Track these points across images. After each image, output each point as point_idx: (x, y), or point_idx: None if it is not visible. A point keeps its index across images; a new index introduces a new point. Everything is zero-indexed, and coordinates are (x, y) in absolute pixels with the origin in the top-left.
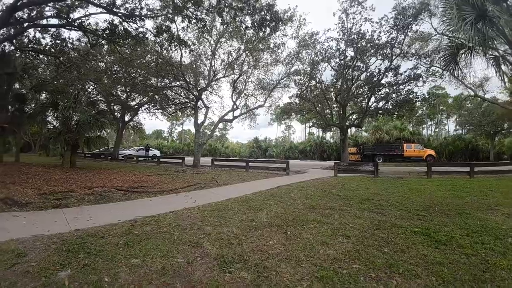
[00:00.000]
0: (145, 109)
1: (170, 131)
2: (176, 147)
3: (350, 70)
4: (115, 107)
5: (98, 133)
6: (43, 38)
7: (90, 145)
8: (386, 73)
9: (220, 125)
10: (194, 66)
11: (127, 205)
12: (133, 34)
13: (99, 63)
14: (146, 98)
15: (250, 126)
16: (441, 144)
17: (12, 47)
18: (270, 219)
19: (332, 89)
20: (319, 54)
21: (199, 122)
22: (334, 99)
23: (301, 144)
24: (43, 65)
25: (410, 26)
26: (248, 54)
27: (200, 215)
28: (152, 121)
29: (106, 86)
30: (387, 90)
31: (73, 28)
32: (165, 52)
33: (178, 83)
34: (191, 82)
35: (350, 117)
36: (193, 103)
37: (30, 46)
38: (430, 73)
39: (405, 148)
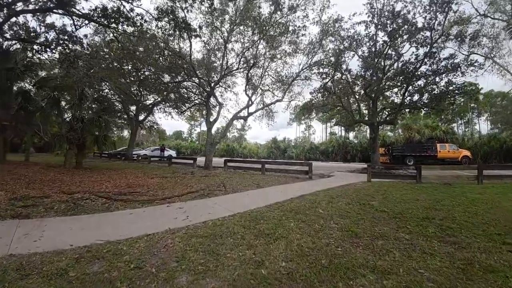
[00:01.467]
0: (159, 108)
1: (189, 132)
2: (194, 147)
3: (381, 58)
4: (129, 106)
5: (104, 133)
6: (47, 32)
7: (100, 145)
8: (425, 60)
9: (238, 126)
10: (205, 60)
11: (97, 220)
12: (128, 15)
13: (111, 61)
14: (160, 97)
15: (268, 125)
16: (476, 144)
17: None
18: (291, 261)
19: (359, 82)
20: (345, 42)
21: (211, 120)
22: (363, 92)
23: (322, 145)
24: (48, 62)
25: (450, 4)
26: (264, 42)
27: (183, 244)
28: (172, 123)
29: (117, 83)
30: (424, 81)
31: (60, 12)
32: (172, 43)
33: (189, 80)
34: (203, 78)
35: (380, 113)
36: (205, 100)
37: (33, 40)
38: (469, 62)
39: (439, 148)
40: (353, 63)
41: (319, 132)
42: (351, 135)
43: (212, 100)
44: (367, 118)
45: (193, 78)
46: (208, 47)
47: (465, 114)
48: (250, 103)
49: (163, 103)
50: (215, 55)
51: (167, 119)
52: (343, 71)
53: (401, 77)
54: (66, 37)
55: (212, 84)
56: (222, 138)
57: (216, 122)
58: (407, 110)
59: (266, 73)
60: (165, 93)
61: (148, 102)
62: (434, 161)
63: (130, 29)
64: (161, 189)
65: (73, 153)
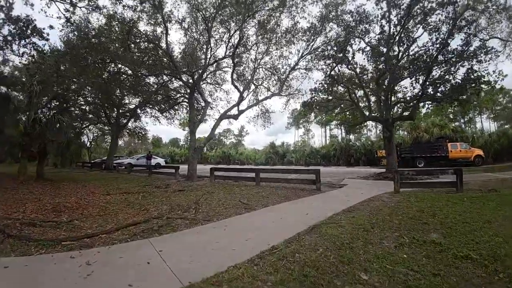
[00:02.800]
0: (144, 113)
1: (186, 140)
2: (188, 154)
3: (393, 44)
4: (107, 110)
5: (68, 138)
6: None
7: (62, 153)
8: (452, 37)
9: (236, 131)
10: (186, 49)
11: None
12: None
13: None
14: (139, 97)
15: (264, 127)
16: (486, 142)
17: None
18: None
19: (366, 73)
20: (352, 23)
21: (195, 121)
22: (373, 84)
23: (323, 148)
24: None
25: None
26: (254, 24)
27: None
28: (168, 130)
29: (87, 81)
30: (444, 67)
31: None
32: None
33: (168, 74)
34: (184, 69)
35: (393, 109)
36: (187, 96)
37: None
38: (485, 49)
39: (450, 148)
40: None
41: (318, 136)
42: (352, 137)
43: (200, 99)
44: (378, 114)
45: (173, 71)
46: (189, 34)
47: (467, 113)
48: (240, 98)
49: (146, 105)
50: (198, 42)
51: (155, 125)
52: (349, 59)
53: (420, 63)
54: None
55: (195, 77)
56: (207, 142)
57: (201, 123)
58: (433, 101)
59: (260, 66)
60: (140, 92)
61: (132, 106)
62: (446, 162)
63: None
64: (100, 215)
65: (25, 162)
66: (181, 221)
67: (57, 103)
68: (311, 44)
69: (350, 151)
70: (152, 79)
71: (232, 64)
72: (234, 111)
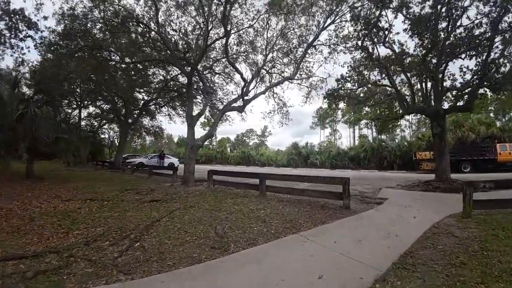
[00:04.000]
0: (157, 109)
1: (210, 140)
2: (209, 154)
3: (440, 16)
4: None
5: (57, 134)
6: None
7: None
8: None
9: (258, 132)
10: (181, 29)
11: None
12: None
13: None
14: (142, 89)
15: (282, 124)
16: None
17: None
18: None
19: (407, 52)
20: None
21: (193, 114)
22: (419, 66)
23: (351, 150)
24: None
25: None
26: None
27: None
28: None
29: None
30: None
31: None
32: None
33: (162, 60)
34: (177, 51)
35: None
36: (186, 85)
37: None
38: None
39: (499, 150)
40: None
41: (346, 137)
42: (384, 138)
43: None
44: (425, 105)
45: (168, 57)
46: (183, 9)
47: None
48: (245, 84)
49: (153, 101)
50: (197, 22)
51: (170, 123)
52: (386, 34)
53: (481, 37)
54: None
55: (192, 61)
56: (206, 139)
57: (200, 117)
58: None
59: (272, 48)
60: (140, 85)
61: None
62: (494, 166)
63: None
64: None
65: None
66: (84, 265)
67: (42, 96)
68: (335, 12)
69: (383, 153)
70: (161, 72)
71: (225, 33)
72: (240, 103)
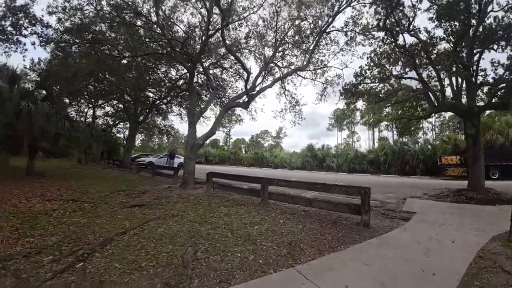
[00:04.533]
0: (168, 109)
1: (225, 140)
2: (223, 155)
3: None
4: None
5: (59, 131)
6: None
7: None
8: None
9: (274, 133)
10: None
11: None
12: None
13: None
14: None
15: (294, 123)
16: None
17: None
18: None
19: (436, 41)
20: None
21: (194, 111)
22: (449, 57)
23: (371, 153)
24: None
25: None
26: None
27: None
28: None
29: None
30: None
31: None
32: None
33: (161, 53)
34: (178, 45)
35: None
36: (188, 81)
37: None
38: None
39: None
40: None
41: (365, 139)
42: (405, 141)
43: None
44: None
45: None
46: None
47: None
48: (248, 75)
49: (167, 99)
50: (196, 9)
51: (181, 122)
52: (410, 20)
53: None
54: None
55: (195, 55)
56: (207, 138)
57: (203, 114)
58: None
59: (283, 39)
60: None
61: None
62: None
63: None
64: None
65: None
66: (9, 283)
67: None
68: None
69: (405, 156)
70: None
71: (221, 15)
72: (245, 98)
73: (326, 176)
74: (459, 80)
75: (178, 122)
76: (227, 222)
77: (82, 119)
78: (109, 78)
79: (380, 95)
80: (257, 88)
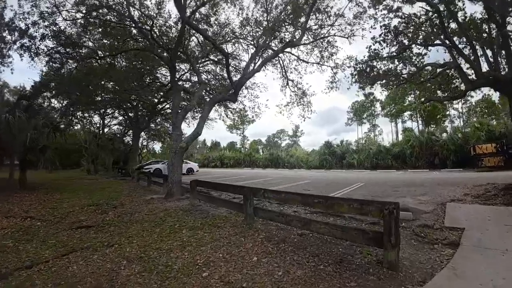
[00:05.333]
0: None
1: (242, 143)
2: (237, 158)
3: None
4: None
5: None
6: None
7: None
8: None
9: (290, 132)
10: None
11: None
12: None
13: None
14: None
15: (303, 118)
16: None
17: None
18: None
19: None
20: None
21: (178, 110)
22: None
23: (395, 146)
24: None
25: None
26: None
27: None
28: (227, 135)
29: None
30: None
31: None
32: None
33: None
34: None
35: None
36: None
37: None
38: None
39: None
40: None
41: (387, 133)
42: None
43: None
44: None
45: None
46: None
47: None
48: (226, 60)
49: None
50: None
51: (189, 126)
52: None
53: None
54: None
55: (173, 42)
56: (192, 140)
57: (188, 113)
58: None
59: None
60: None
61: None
62: None
63: None
64: None
65: None
66: None
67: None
68: None
69: (434, 148)
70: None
71: None
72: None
73: (346, 175)
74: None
75: (186, 127)
76: (172, 258)
77: (91, 129)
78: (105, 85)
79: (402, 76)
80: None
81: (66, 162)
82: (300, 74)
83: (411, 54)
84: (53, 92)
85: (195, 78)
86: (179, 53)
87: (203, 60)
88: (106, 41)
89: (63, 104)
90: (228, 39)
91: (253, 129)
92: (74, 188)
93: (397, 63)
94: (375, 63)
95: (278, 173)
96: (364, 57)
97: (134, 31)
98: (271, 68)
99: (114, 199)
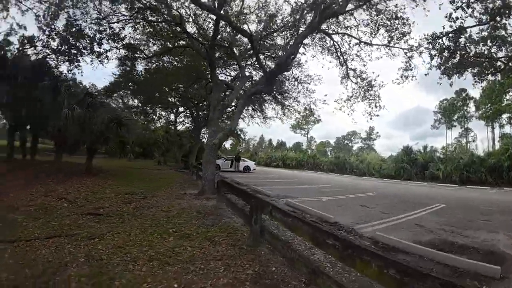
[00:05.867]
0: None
1: (309, 143)
2: (300, 159)
3: None
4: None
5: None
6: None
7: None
8: None
9: (363, 134)
10: None
11: None
12: None
13: None
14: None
15: (370, 116)
16: None
17: None
18: None
19: None
20: None
21: (215, 104)
22: None
23: (491, 156)
24: None
25: None
26: None
27: None
28: (292, 135)
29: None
30: None
31: None
32: None
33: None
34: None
35: None
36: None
37: None
38: None
39: None
40: None
41: (481, 139)
42: None
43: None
44: None
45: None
46: None
47: None
48: (251, 41)
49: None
50: None
51: (249, 125)
52: None
53: None
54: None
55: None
56: (227, 136)
57: (227, 108)
58: None
59: None
60: None
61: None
62: None
63: None
64: None
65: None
66: None
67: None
68: None
69: None
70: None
71: None
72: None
73: (424, 190)
74: None
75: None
76: (126, 270)
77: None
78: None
79: (500, 60)
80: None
81: (148, 153)
82: (363, 61)
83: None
84: (126, 91)
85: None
86: (216, 47)
87: (248, 53)
88: (154, 41)
89: (137, 103)
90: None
91: (321, 130)
92: (134, 176)
93: (489, 44)
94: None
95: (341, 180)
96: (444, 28)
97: (178, 29)
98: (329, 57)
99: (154, 189)
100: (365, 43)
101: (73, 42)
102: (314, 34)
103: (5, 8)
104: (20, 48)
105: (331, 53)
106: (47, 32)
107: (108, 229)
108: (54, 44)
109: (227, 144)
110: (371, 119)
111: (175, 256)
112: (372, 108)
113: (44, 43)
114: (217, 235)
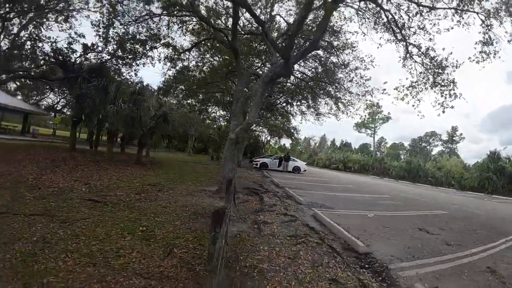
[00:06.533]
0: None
1: (377, 145)
2: (364, 162)
3: None
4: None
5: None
6: None
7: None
8: None
9: (444, 136)
10: None
11: None
12: None
13: None
14: None
15: (442, 108)
16: None
17: None
18: None
19: None
20: None
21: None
22: None
23: None
24: None
25: None
26: None
27: None
28: (357, 135)
29: None
30: None
31: None
32: None
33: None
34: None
35: None
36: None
37: None
38: None
39: None
40: None
41: None
42: None
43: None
44: None
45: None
46: None
47: None
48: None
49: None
50: None
51: (301, 123)
52: None
53: None
54: None
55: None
56: (247, 129)
57: (249, 100)
58: None
59: None
60: None
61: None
62: None
63: None
64: None
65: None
66: None
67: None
68: None
69: None
70: None
71: None
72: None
73: None
74: None
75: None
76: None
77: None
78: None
79: None
80: None
81: (207, 149)
82: (429, 34)
83: None
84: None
85: None
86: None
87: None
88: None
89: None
90: None
91: (393, 130)
92: (177, 169)
93: None
94: None
95: (408, 190)
96: None
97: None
98: (386, 34)
99: (178, 183)
100: (426, 6)
101: (129, 48)
102: (360, 5)
103: (65, 18)
104: (82, 54)
105: (387, 29)
106: (102, 39)
107: (88, 216)
108: (111, 49)
109: (287, 143)
110: (443, 112)
111: (111, 259)
112: (445, 97)
113: (102, 49)
114: (183, 244)
